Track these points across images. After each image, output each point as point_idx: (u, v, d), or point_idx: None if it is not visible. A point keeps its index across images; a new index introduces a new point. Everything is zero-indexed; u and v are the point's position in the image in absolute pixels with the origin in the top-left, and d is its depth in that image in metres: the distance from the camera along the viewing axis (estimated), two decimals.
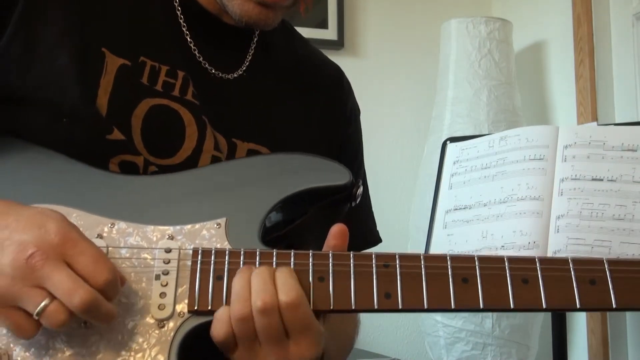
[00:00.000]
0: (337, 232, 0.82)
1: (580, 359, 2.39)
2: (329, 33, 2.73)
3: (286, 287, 0.76)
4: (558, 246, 1.56)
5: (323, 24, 2.74)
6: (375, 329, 2.65)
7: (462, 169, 1.82)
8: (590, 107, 2.41)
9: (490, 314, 2.24)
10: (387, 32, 2.89)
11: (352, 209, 1.00)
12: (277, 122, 1.02)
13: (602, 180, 1.62)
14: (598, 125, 1.76)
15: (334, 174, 0.89)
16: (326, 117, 1.08)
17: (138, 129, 0.91)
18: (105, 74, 0.91)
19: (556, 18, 2.64)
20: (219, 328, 0.76)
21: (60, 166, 0.86)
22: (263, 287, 0.75)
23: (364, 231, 1.15)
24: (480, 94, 2.45)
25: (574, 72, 2.50)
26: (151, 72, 0.93)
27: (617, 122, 2.39)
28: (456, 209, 1.77)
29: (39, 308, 0.69)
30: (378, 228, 1.19)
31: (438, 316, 2.30)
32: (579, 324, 2.42)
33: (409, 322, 2.69)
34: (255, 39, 1.05)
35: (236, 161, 0.94)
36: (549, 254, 1.56)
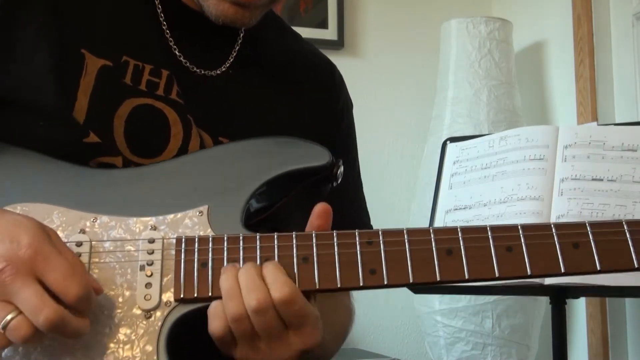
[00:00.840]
0: (320, 211, 0.82)
1: (580, 359, 2.39)
2: (329, 33, 2.73)
3: (277, 283, 0.76)
4: None
5: (323, 24, 2.74)
6: (375, 329, 2.65)
7: (462, 169, 1.82)
8: (590, 107, 2.41)
9: (490, 313, 2.24)
10: (387, 32, 2.89)
11: (344, 203, 0.99)
12: (265, 118, 1.01)
13: (602, 180, 1.62)
14: (598, 125, 1.76)
15: (313, 155, 0.88)
16: (316, 113, 1.07)
17: (121, 130, 0.90)
18: (85, 74, 0.90)
19: (556, 18, 2.64)
20: (216, 325, 0.76)
21: (38, 164, 0.86)
22: (253, 285, 0.75)
23: (359, 225, 1.14)
24: (480, 94, 2.45)
25: (574, 72, 2.50)
26: (134, 72, 0.93)
27: (617, 122, 2.39)
28: (456, 209, 1.77)
29: (3, 322, 0.69)
30: (378, 228, 1.18)
31: (438, 316, 2.30)
32: (579, 324, 2.42)
33: (409, 322, 2.69)
34: (241, 34, 1.04)
35: (216, 148, 0.93)
36: None
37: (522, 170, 1.70)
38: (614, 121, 2.40)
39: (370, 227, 1.17)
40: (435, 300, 2.29)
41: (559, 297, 1.68)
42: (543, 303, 2.31)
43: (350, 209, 1.11)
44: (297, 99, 1.06)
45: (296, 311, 0.76)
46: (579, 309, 2.42)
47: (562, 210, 1.60)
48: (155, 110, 0.93)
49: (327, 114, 1.09)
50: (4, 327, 0.69)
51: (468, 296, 2.22)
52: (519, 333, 2.26)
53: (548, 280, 1.55)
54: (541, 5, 2.74)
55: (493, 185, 1.72)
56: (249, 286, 0.75)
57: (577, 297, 1.80)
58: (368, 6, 2.88)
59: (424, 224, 1.92)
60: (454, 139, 1.92)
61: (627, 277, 1.50)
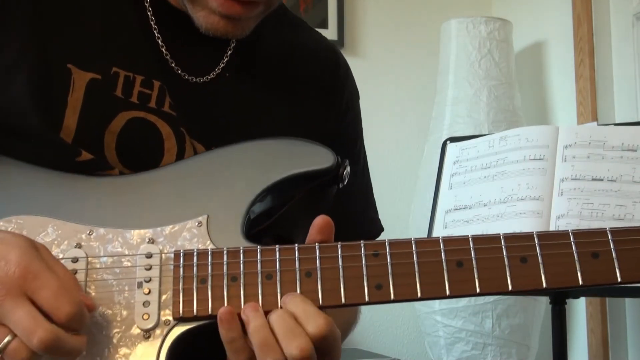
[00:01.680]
0: (321, 225, 0.77)
1: (580, 359, 2.39)
2: (329, 33, 2.73)
3: (310, 320, 0.72)
4: None
5: (323, 24, 2.74)
6: (375, 329, 2.66)
7: (462, 169, 1.82)
8: (590, 107, 2.41)
9: (490, 313, 2.24)
10: (387, 32, 2.89)
11: (351, 200, 0.96)
12: (262, 122, 0.96)
13: (602, 180, 1.62)
14: (598, 125, 1.77)
15: (317, 157, 0.84)
16: (317, 112, 1.02)
17: (112, 145, 0.87)
18: (73, 91, 0.87)
19: (556, 18, 2.64)
20: None
21: (32, 175, 0.83)
22: (292, 333, 0.71)
23: (364, 222, 1.10)
24: (480, 94, 2.45)
25: (574, 72, 2.50)
26: (125, 83, 0.89)
27: (617, 122, 2.39)
28: (456, 209, 1.77)
29: (1, 345, 0.67)
30: (384, 239, 1.14)
31: (438, 316, 2.30)
32: (579, 324, 2.42)
33: (409, 322, 2.69)
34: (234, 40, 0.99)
35: (214, 153, 0.88)
36: None
37: (522, 170, 1.70)
38: (614, 121, 2.40)
39: (378, 221, 1.13)
40: (435, 301, 2.29)
41: (559, 297, 1.68)
42: (543, 303, 2.31)
43: (357, 205, 1.07)
44: (296, 98, 1.01)
45: (331, 341, 0.72)
46: (579, 309, 2.42)
47: (562, 210, 1.60)
48: (148, 124, 0.89)
49: (329, 112, 1.04)
50: (1, 351, 0.67)
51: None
52: (519, 333, 2.26)
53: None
54: (541, 5, 2.74)
55: (493, 185, 1.72)
56: (288, 335, 0.71)
57: (577, 297, 1.80)
58: (368, 6, 2.88)
59: (424, 224, 1.92)
60: (454, 139, 1.92)
61: None
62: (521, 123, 2.45)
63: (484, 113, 2.43)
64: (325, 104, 1.04)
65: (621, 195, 1.58)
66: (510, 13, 2.80)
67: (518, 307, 2.25)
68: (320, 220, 0.77)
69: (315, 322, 0.71)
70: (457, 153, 1.86)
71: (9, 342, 0.67)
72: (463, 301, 2.24)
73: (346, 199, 0.88)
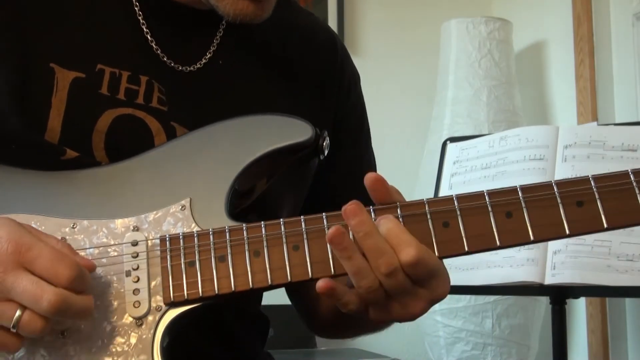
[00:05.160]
0: (372, 182, 0.76)
1: (580, 359, 2.39)
2: None
3: (401, 245, 0.72)
4: (558, 246, 1.56)
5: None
6: None
7: (462, 169, 1.82)
8: (590, 107, 2.41)
9: (490, 313, 2.24)
10: (387, 32, 2.89)
11: (355, 184, 0.95)
12: (258, 109, 0.92)
13: None
14: (598, 125, 1.77)
15: (295, 130, 0.83)
16: (317, 96, 1.00)
17: (101, 144, 0.86)
18: (57, 91, 0.85)
19: (556, 18, 2.64)
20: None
21: (9, 174, 0.82)
22: (381, 250, 0.72)
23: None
24: (480, 94, 2.45)
25: (574, 72, 2.50)
26: (111, 80, 0.87)
27: (617, 122, 2.39)
28: None
29: (13, 321, 0.68)
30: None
31: (438, 316, 2.30)
32: (579, 324, 2.42)
33: (409, 322, 2.68)
34: (224, 22, 0.96)
35: (192, 134, 0.86)
36: (549, 254, 1.56)
37: (522, 170, 1.70)
38: (614, 121, 2.40)
39: None
40: None
41: (559, 297, 1.68)
42: (543, 303, 2.31)
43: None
44: (293, 84, 0.99)
45: (422, 271, 0.73)
46: (579, 309, 2.42)
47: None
48: (137, 120, 0.88)
49: (329, 95, 1.02)
50: (15, 326, 0.68)
51: (468, 296, 2.22)
52: (519, 333, 2.26)
53: (548, 280, 1.55)
54: (541, 5, 2.74)
55: (493, 185, 1.72)
56: (377, 253, 0.72)
57: (577, 297, 1.80)
58: (368, 6, 2.88)
59: None
60: (454, 139, 1.92)
61: (627, 277, 1.50)
62: (521, 123, 2.45)
63: (484, 113, 2.43)
64: (325, 87, 1.02)
65: None
66: (510, 13, 2.80)
67: (518, 307, 2.25)
68: (369, 180, 0.76)
69: (404, 249, 0.72)
70: (457, 153, 1.86)
71: (20, 316, 0.68)
72: (463, 301, 2.24)
73: (354, 183, 0.87)
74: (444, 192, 1.82)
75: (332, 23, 2.76)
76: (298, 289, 1.01)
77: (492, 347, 2.24)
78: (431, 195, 1.86)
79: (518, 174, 1.70)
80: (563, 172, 1.65)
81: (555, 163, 1.67)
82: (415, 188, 2.55)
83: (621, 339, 2.33)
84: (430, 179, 2.04)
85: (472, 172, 1.79)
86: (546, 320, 2.29)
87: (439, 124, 2.49)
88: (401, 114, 2.83)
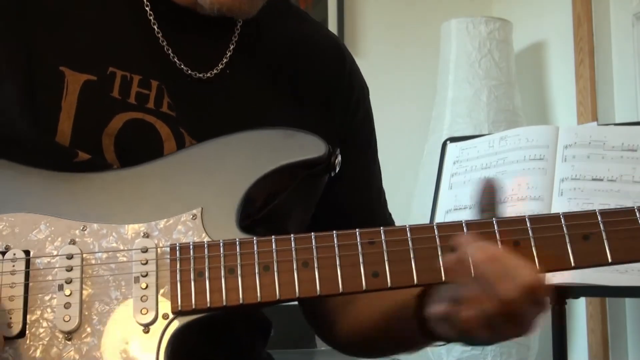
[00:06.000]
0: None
1: (580, 359, 2.39)
2: None
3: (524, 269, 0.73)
4: None
5: (323, 24, 2.74)
6: None
7: (462, 169, 1.82)
8: (590, 107, 2.41)
9: None
10: (387, 32, 2.88)
11: (360, 199, 0.94)
12: (265, 120, 0.93)
13: (602, 180, 1.62)
14: (598, 125, 1.77)
15: (309, 146, 0.84)
16: (323, 111, 0.99)
17: (111, 148, 0.85)
18: (67, 94, 0.85)
19: (556, 18, 2.64)
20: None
21: (23, 173, 0.82)
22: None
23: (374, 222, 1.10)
24: (480, 94, 2.45)
25: (574, 72, 2.50)
26: (122, 84, 0.87)
27: (617, 122, 2.39)
28: (456, 209, 1.77)
29: None
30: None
31: None
32: (579, 324, 2.42)
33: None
34: (238, 27, 0.95)
35: (206, 144, 0.86)
36: None
37: (522, 170, 1.70)
38: (614, 121, 2.40)
39: (389, 215, 1.12)
40: None
41: (559, 297, 1.68)
42: None
43: (373, 205, 1.06)
44: (302, 96, 0.98)
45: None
46: (579, 309, 2.42)
47: (562, 210, 1.60)
48: (147, 125, 0.87)
49: (337, 110, 1.01)
50: None
51: None
52: None
53: (548, 280, 1.55)
54: (541, 5, 2.74)
55: None
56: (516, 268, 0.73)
57: (577, 297, 1.80)
58: (368, 6, 2.88)
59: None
60: (454, 139, 1.92)
61: (627, 277, 1.50)
62: (521, 123, 2.45)
63: (484, 113, 2.43)
64: (330, 104, 1.01)
65: (621, 195, 1.58)
66: (510, 13, 2.80)
67: None
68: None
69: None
70: (457, 153, 1.86)
71: None
72: None
73: (363, 198, 0.88)
74: (444, 192, 1.82)
75: (332, 23, 2.76)
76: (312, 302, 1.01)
77: (492, 347, 2.23)
78: (430, 195, 1.86)
79: (518, 174, 1.70)
80: (563, 172, 1.65)
81: (555, 163, 1.67)
82: (415, 188, 2.55)
83: (621, 339, 2.33)
84: (430, 179, 2.04)
85: (472, 172, 1.79)
86: (546, 320, 2.29)
87: (439, 124, 2.49)
88: (401, 114, 2.83)
